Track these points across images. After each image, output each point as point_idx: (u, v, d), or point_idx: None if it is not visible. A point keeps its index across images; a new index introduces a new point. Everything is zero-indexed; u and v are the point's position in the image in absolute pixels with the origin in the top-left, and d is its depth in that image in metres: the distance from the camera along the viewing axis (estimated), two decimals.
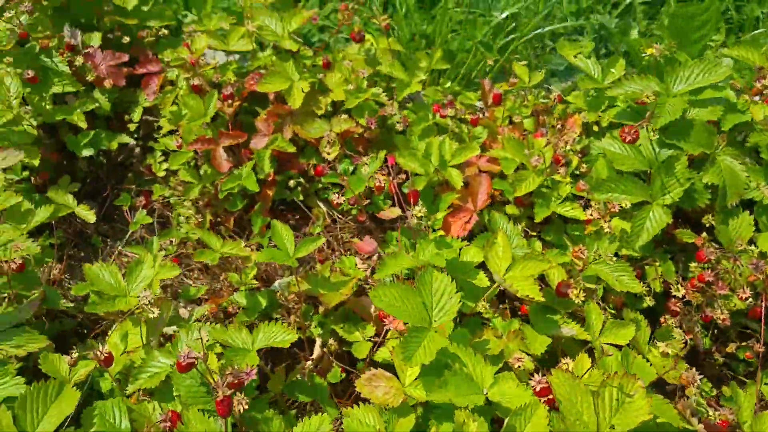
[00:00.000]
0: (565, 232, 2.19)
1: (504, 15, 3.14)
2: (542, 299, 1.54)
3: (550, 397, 1.40)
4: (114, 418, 1.46)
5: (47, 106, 2.33)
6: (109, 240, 2.47)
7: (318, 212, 2.51)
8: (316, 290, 1.90)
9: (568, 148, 2.24)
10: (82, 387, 1.68)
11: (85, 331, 2.11)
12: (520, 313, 2.02)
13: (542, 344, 1.60)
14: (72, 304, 2.11)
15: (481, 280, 1.77)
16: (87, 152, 2.39)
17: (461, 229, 2.12)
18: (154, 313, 1.59)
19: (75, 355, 1.53)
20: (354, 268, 2.13)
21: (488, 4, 3.30)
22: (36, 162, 2.14)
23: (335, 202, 1.90)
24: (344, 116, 2.40)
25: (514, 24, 3.16)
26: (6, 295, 1.85)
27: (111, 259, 2.38)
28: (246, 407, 1.37)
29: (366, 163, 2.14)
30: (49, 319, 2.03)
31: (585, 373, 1.45)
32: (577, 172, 2.39)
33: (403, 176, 2.06)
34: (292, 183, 2.35)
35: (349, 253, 2.41)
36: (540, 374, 1.39)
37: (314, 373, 1.81)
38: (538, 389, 1.37)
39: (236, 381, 1.38)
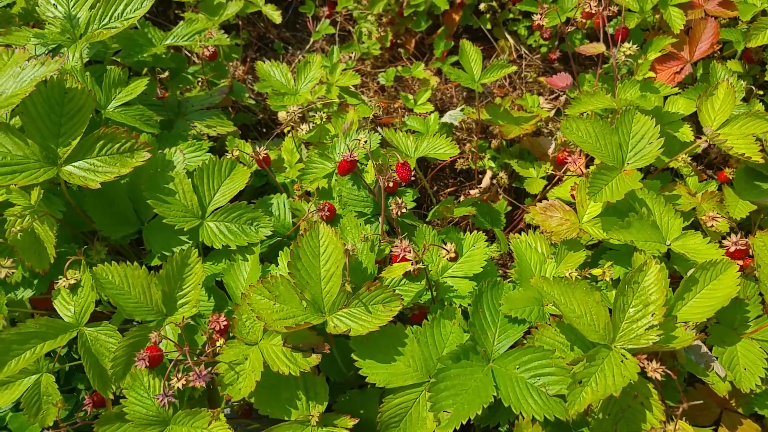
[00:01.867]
0: None
1: None
2: (760, 159, 1.45)
3: (743, 262, 1.38)
4: (280, 210, 1.65)
5: None
6: (290, 48, 2.64)
7: (504, 45, 2.47)
8: (495, 120, 1.93)
9: None
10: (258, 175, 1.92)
11: (264, 130, 2.35)
12: (717, 180, 1.93)
13: (744, 208, 1.54)
14: (254, 102, 2.34)
15: (685, 133, 1.70)
16: None
17: (670, 80, 1.99)
18: (322, 116, 1.74)
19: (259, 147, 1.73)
20: (537, 107, 2.12)
21: None
22: None
23: (536, 23, 1.85)
24: None
25: None
26: (199, 79, 2.09)
27: (292, 65, 2.56)
28: (405, 210, 1.48)
29: None
30: (234, 111, 2.28)
31: None
32: None
33: (615, 9, 1.94)
34: (483, 6, 2.31)
35: (532, 93, 2.39)
36: (738, 235, 1.36)
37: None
38: (732, 250, 1.35)
39: (391, 183, 1.50)
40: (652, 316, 1.17)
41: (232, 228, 1.53)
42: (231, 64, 2.49)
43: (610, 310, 1.19)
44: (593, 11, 1.81)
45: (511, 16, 2.46)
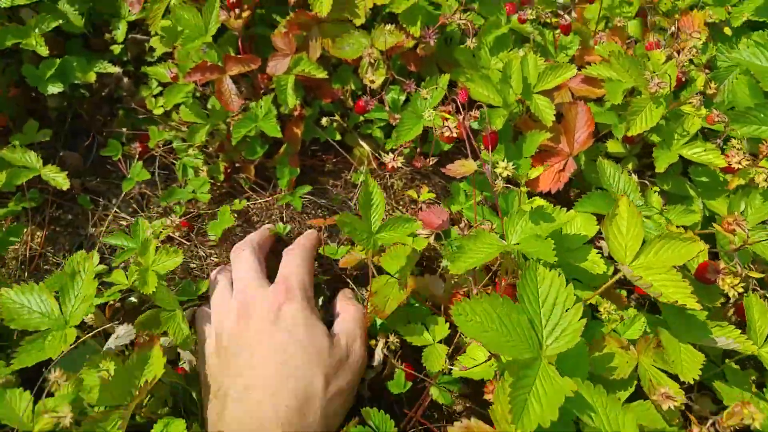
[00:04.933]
0: (687, 176, 1.79)
1: None
2: (699, 306, 1.17)
3: None
4: None
5: None
6: (101, 199, 2.13)
7: (360, 153, 2.12)
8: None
9: (689, 57, 1.80)
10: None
11: None
12: (634, 292, 1.68)
13: (694, 365, 1.24)
14: None
15: (596, 263, 1.41)
16: (55, 88, 1.95)
17: (555, 181, 1.73)
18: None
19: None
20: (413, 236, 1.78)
21: None
22: None
23: (390, 165, 1.50)
24: (389, 26, 1.93)
25: None
26: None
27: (105, 224, 2.05)
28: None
29: (425, 97, 1.72)
30: None
31: None
32: (699, 90, 1.95)
33: (477, 113, 1.65)
34: (324, 122, 1.95)
35: (402, 206, 2.06)
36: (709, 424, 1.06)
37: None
38: None
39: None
40: None
41: None
42: (22, 239, 1.96)
43: None
44: (454, 134, 1.50)
45: (361, 119, 2.12)
